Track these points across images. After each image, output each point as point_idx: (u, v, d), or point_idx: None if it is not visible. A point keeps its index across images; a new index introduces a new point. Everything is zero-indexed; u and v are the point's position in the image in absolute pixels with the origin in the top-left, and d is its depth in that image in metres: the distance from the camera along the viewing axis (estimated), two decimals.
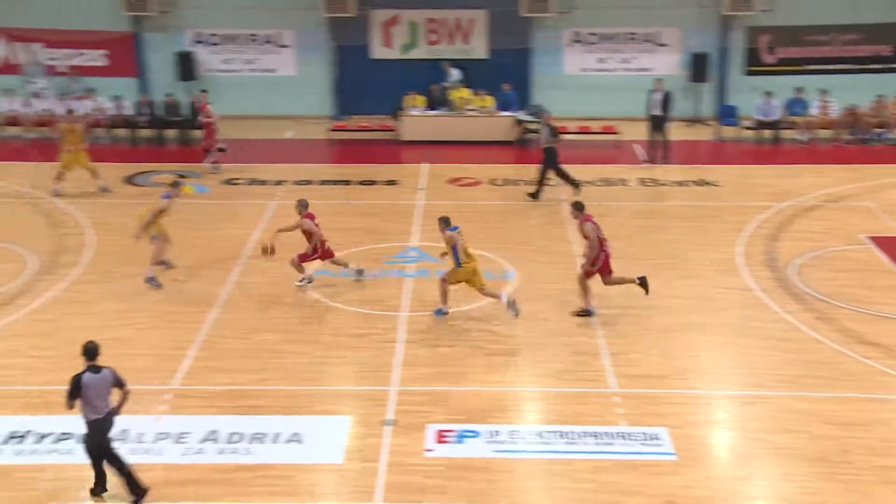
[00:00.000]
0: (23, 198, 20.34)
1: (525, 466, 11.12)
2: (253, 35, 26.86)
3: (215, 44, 26.86)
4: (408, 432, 11.64)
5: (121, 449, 10.58)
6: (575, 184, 20.60)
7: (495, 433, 11.68)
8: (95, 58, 26.51)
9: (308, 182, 21.93)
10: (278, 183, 21.76)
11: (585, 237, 14.74)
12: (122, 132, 24.93)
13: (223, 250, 17.66)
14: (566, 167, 20.72)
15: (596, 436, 11.59)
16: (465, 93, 25.63)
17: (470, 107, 25.36)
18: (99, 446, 10.27)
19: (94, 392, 10.01)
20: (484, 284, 14.81)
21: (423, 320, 14.76)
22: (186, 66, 26.14)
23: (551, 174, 20.62)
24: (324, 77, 27.18)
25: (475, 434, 11.67)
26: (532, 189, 20.53)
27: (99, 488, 10.48)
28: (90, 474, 10.75)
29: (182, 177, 22.00)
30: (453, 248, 14.55)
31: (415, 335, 14.29)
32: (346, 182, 22.10)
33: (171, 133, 24.73)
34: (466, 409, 12.20)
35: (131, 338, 14.28)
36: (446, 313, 14.89)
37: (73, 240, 17.98)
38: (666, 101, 23.59)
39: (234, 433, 11.71)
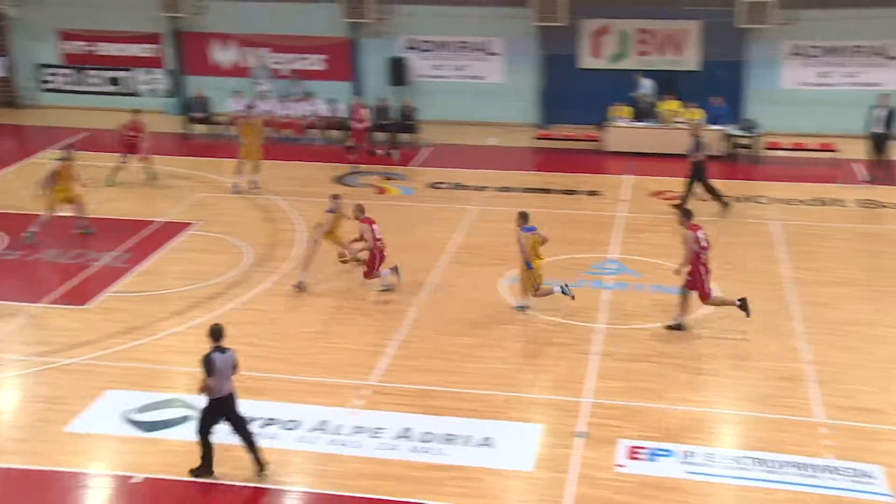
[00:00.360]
0: (243, 193, 21.47)
1: (720, 491, 10.74)
2: (463, 42, 27.30)
3: (427, 50, 27.47)
4: (599, 445, 11.50)
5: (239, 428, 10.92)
6: (723, 201, 19.97)
7: (689, 454, 11.35)
8: (315, 62, 27.70)
9: (509, 189, 22.06)
10: (481, 188, 22.01)
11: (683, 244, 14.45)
12: (335, 134, 25.92)
13: (425, 252, 18.03)
14: (713, 182, 20.14)
15: (799, 466, 11.05)
16: (674, 105, 25.08)
17: (678, 119, 24.78)
18: (211, 426, 10.77)
19: (219, 372, 10.51)
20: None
21: (620, 333, 14.54)
22: (398, 72, 26.89)
23: (699, 188, 19.99)
24: (531, 85, 27.28)
25: (668, 453, 11.38)
26: (678, 201, 19.82)
27: (203, 469, 10.88)
28: (289, 458, 11.28)
29: (389, 178, 22.72)
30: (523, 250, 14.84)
31: (610, 348, 14.10)
32: (548, 191, 22.08)
33: (380, 136, 25.48)
34: (660, 427, 11.92)
35: (335, 332, 14.82)
36: (526, 307, 15.26)
37: (287, 235, 18.83)
38: (889, 118, 22.24)
39: (427, 433, 11.92)
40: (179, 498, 10.77)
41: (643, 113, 25.21)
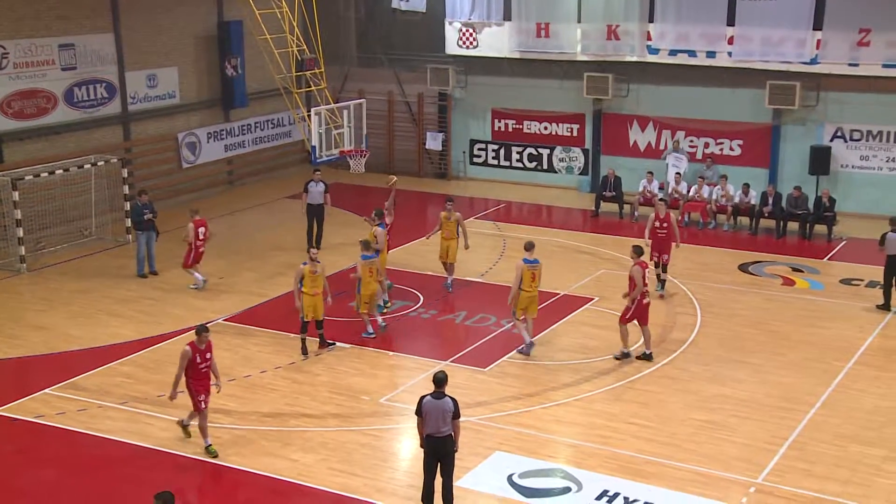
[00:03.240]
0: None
1: None
2: None
3: (856, 139, 25.95)
4: None
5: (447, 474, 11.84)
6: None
7: None
8: (730, 147, 27.28)
9: None
10: None
11: (630, 277, 16.27)
12: (744, 220, 25.23)
13: (830, 352, 16.95)
14: None
15: None
16: None
17: None
18: (428, 461, 11.82)
19: (430, 414, 11.63)
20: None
21: None
22: (820, 161, 25.58)
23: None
24: None
25: None
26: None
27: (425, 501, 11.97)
28: None
29: (797, 270, 21.62)
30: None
31: None
32: None
33: (792, 226, 24.40)
34: None
35: (723, 423, 14.34)
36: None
37: (683, 319, 18.58)
38: None
39: None
40: None
41: None
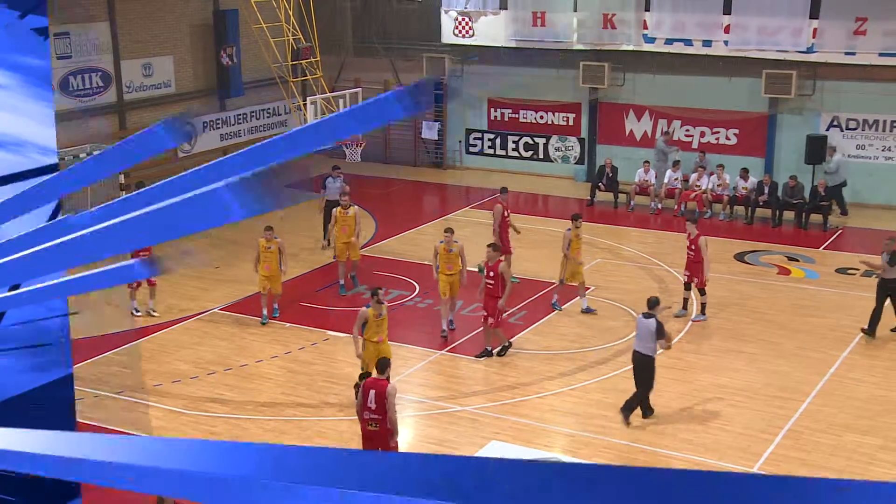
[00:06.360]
0: (640, 262, 21.60)
1: None
2: None
3: (852, 128, 25.95)
4: None
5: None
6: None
7: None
8: (727, 136, 27.26)
9: None
10: None
11: (500, 275, 16.01)
12: (739, 209, 25.25)
13: (827, 341, 16.97)
14: None
15: None
16: None
17: None
18: (637, 376, 13.75)
19: (637, 331, 13.80)
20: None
21: None
22: (816, 150, 25.60)
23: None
24: None
25: None
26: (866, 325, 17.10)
27: (647, 412, 13.90)
28: None
29: (793, 259, 21.64)
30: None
31: None
32: None
33: (788, 215, 24.41)
34: None
35: (721, 412, 14.37)
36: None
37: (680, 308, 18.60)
38: None
39: None
40: None
41: None
